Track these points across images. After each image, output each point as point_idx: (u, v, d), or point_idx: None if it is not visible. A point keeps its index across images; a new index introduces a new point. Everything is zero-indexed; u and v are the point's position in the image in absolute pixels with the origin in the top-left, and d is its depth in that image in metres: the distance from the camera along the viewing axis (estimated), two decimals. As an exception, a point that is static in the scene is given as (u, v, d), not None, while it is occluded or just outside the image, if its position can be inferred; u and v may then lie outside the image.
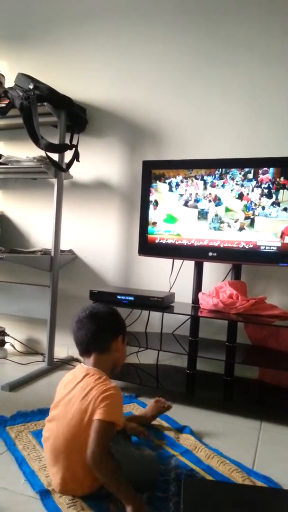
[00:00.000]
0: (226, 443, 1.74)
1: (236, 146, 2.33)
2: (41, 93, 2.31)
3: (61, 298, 2.61)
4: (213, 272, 2.39)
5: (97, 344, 1.44)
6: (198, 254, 2.23)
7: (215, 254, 2.19)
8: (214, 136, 2.42)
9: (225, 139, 2.39)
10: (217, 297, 2.13)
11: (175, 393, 2.17)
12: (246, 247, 2.09)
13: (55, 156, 2.41)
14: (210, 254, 2.19)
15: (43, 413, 1.89)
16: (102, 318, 1.47)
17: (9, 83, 2.52)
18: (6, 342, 2.82)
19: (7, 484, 1.38)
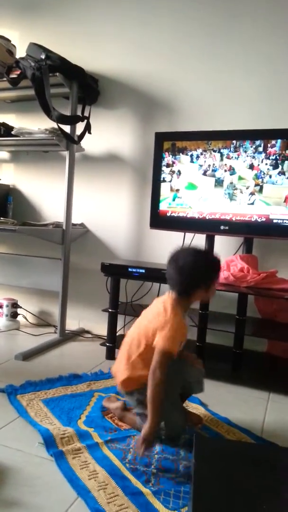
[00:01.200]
0: (234, 413, 1.77)
1: (250, 118, 2.30)
2: (53, 63, 2.28)
3: (72, 271, 2.64)
4: (224, 245, 2.39)
5: (176, 287, 1.50)
6: (210, 228, 2.22)
7: (227, 228, 2.18)
8: (229, 107, 2.38)
9: (240, 111, 2.34)
10: (228, 271, 2.13)
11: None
12: (259, 220, 2.08)
13: (67, 128, 2.40)
14: (222, 227, 2.18)
15: (52, 382, 1.94)
16: (182, 266, 1.48)
17: (20, 53, 2.49)
18: (19, 314, 2.87)
19: (22, 446, 1.43)
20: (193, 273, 1.48)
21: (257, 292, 2.04)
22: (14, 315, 2.83)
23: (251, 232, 2.16)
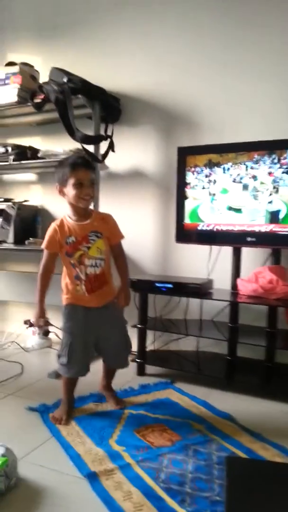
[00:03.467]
0: (267, 428, 1.74)
1: (268, 128, 2.29)
2: (74, 86, 2.34)
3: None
4: (251, 257, 2.37)
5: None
6: (236, 240, 2.22)
7: (253, 239, 2.17)
8: (248, 118, 2.38)
9: (258, 121, 2.34)
10: (257, 283, 2.11)
11: (215, 379, 2.18)
12: (286, 230, 2.06)
13: (90, 148, 2.45)
14: (249, 239, 2.17)
15: (83, 400, 1.96)
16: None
17: (43, 77, 2.57)
18: (50, 332, 2.91)
19: (57, 466, 1.45)
20: (55, 172, 1.79)
21: (287, 304, 2.01)
22: (45, 333, 2.87)
23: (279, 243, 2.14)
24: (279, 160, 1.85)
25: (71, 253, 1.78)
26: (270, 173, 1.90)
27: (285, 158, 1.85)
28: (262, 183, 1.89)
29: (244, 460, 1.45)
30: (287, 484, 1.19)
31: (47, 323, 1.80)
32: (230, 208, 2.05)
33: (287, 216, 2.00)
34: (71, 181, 1.71)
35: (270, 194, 1.87)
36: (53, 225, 1.82)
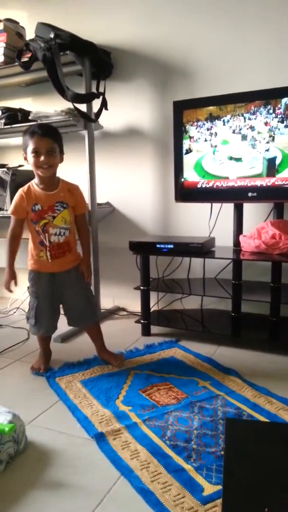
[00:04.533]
0: (272, 383, 1.75)
1: (269, 74, 2.19)
2: (63, 42, 2.22)
3: (102, 251, 2.64)
4: (253, 213, 2.32)
5: None
6: (237, 196, 2.16)
7: (255, 194, 2.11)
8: (245, 66, 2.26)
9: (261, 71, 2.23)
10: (259, 239, 2.07)
11: (220, 336, 2.19)
12: (286, 184, 2.00)
13: (83, 107, 2.35)
14: (250, 194, 2.12)
15: (88, 363, 1.99)
16: None
17: (30, 34, 2.44)
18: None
19: (64, 428, 1.47)
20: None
21: (291, 259, 1.98)
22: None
23: (280, 197, 2.09)
24: (274, 110, 1.93)
25: (36, 221, 1.82)
26: (266, 123, 1.96)
27: (279, 108, 1.92)
28: (259, 132, 1.97)
29: (244, 421, 1.46)
30: (285, 444, 1.20)
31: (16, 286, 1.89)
32: (231, 158, 2.10)
33: (283, 161, 1.99)
34: (29, 149, 1.74)
35: (267, 142, 1.95)
36: (20, 192, 1.84)
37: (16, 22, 2.60)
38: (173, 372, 1.86)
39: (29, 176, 2.73)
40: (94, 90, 2.42)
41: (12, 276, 1.87)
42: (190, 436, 1.39)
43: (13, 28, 2.56)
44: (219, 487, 1.15)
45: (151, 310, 2.42)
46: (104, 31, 2.58)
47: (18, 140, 2.97)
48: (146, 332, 2.35)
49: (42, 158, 1.73)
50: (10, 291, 1.86)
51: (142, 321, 2.36)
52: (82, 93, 2.34)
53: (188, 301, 2.57)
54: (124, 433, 1.41)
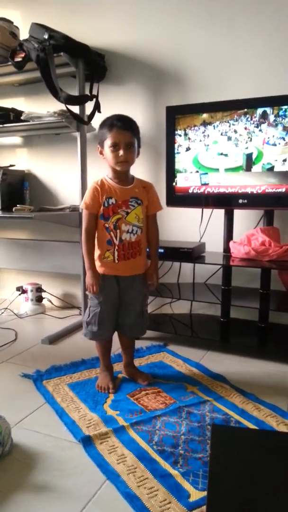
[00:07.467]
0: (260, 389, 1.76)
1: (257, 82, 2.23)
2: (56, 43, 2.21)
3: (92, 253, 2.63)
4: (244, 219, 2.33)
5: None
6: (228, 202, 2.17)
7: (245, 201, 2.12)
8: (235, 73, 2.29)
9: (251, 78, 2.25)
10: (249, 245, 2.08)
11: (208, 341, 2.19)
12: (278, 191, 2.02)
13: (76, 109, 2.35)
14: (241, 201, 2.13)
15: (76, 366, 1.98)
16: None
17: (24, 34, 2.43)
18: (44, 298, 2.90)
19: (51, 431, 1.46)
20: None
21: (280, 266, 1.99)
22: (39, 299, 2.87)
23: (271, 204, 2.10)
24: (251, 118, 2.09)
25: (108, 216, 1.68)
26: (245, 128, 2.11)
27: (255, 117, 2.07)
28: (240, 135, 2.12)
29: (230, 428, 1.46)
30: (270, 452, 1.20)
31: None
32: (220, 154, 2.19)
33: (257, 156, 2.09)
34: (107, 143, 1.64)
35: (246, 142, 2.10)
36: (93, 184, 1.71)
37: (10, 22, 2.59)
38: (161, 377, 1.86)
39: (20, 176, 2.72)
40: (87, 92, 2.42)
41: (97, 278, 1.70)
42: (178, 441, 1.39)
43: (7, 28, 2.54)
44: (206, 493, 1.14)
45: (140, 314, 2.41)
46: (98, 34, 2.58)
47: (9, 139, 2.96)
48: (134, 335, 2.34)
49: (121, 152, 1.63)
50: (97, 294, 1.71)
51: (130, 325, 2.35)
52: (75, 95, 2.34)
53: (177, 306, 2.57)
54: (111, 437, 1.40)
